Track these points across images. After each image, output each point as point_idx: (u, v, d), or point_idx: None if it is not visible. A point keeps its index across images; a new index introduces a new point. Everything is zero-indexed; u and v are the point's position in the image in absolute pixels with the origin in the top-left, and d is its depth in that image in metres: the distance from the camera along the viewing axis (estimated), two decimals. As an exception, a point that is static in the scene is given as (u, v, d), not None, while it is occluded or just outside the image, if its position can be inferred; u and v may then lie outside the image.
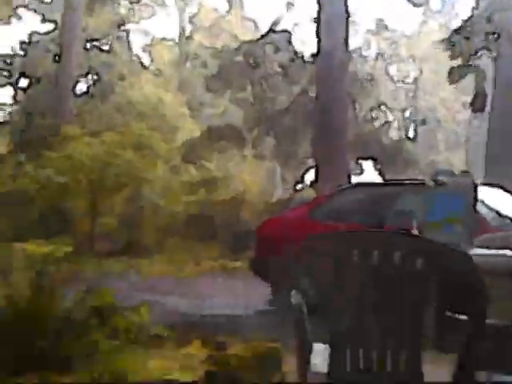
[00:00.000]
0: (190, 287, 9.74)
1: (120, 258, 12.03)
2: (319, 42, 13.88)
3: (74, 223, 12.89)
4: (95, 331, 5.40)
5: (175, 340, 6.25)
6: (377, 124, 20.54)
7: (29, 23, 25.92)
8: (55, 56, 20.69)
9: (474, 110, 18.75)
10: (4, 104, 21.98)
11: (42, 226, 12.10)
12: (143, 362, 5.35)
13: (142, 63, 22.08)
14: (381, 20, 30.37)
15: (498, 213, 7.28)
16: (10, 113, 21.40)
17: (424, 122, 27.49)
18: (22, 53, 22.06)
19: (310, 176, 16.37)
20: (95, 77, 21.55)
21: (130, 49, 22.04)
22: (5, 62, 21.66)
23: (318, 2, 14.13)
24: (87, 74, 21.27)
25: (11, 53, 21.87)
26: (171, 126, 17.69)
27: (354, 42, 22.59)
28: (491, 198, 7.32)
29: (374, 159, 18.26)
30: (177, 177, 15.53)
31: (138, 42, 26.18)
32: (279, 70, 17.04)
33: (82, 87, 21.40)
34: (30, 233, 11.51)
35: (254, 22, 26.79)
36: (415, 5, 25.62)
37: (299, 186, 16.38)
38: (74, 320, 5.25)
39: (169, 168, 15.71)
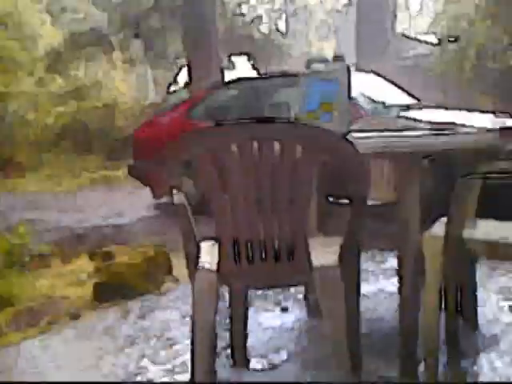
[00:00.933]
0: (70, 201, 9.49)
1: (-8, 179, 11.53)
2: None
3: None
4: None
5: (61, 256, 6.10)
6: (247, 18, 20.23)
7: None
8: None
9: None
10: None
11: None
12: (31, 284, 5.20)
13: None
14: None
15: (370, 98, 7.42)
16: None
17: (295, 13, 27.39)
18: None
19: (182, 77, 15.99)
20: None
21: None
22: None
23: None
24: None
25: None
26: (30, 35, 16.68)
27: None
28: (364, 83, 7.43)
29: (247, 54, 18.08)
30: (44, 89, 14.81)
31: None
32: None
33: None
34: None
35: None
36: None
37: (173, 88, 16.01)
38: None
39: (34, 80, 14.94)
